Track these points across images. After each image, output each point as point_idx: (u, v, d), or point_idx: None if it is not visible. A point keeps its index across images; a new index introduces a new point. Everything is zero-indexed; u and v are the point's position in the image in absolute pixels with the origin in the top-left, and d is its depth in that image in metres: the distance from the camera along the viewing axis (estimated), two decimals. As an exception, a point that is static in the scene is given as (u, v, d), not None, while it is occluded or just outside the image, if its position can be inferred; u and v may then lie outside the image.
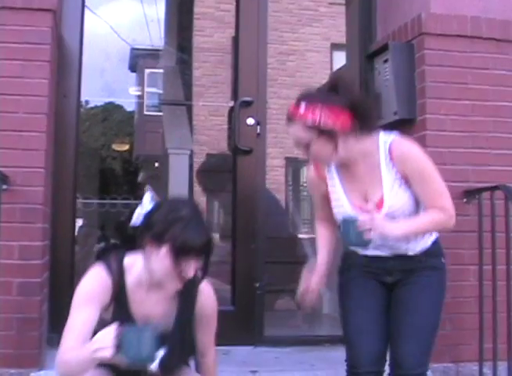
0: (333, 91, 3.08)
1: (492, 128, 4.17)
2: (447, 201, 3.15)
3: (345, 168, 3.20)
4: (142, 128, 16.61)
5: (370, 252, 3.21)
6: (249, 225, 4.50)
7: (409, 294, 3.18)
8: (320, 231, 3.46)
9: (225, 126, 4.85)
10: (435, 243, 3.30)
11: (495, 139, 4.17)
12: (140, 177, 17.46)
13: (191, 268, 2.71)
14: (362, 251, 3.24)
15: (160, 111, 13.20)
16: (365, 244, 3.11)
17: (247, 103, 4.49)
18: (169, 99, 8.68)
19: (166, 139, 7.95)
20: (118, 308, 2.85)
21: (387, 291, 3.23)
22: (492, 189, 3.87)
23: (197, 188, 11.60)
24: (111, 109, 20.80)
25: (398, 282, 3.22)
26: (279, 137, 12.72)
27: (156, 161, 14.24)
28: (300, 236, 11.49)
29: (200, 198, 12.85)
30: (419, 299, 3.17)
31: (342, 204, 3.18)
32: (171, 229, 2.69)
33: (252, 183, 4.53)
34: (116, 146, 18.46)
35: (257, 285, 4.46)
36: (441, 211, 3.14)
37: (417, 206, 3.17)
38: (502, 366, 3.84)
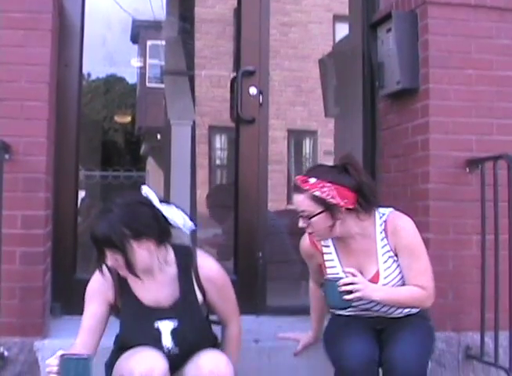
0: (344, 171, 3.27)
1: (495, 98, 4.15)
2: (429, 281, 3.32)
3: (342, 242, 3.40)
4: (144, 100, 16.57)
5: (356, 313, 3.41)
6: (251, 196, 4.50)
7: (399, 329, 3.34)
8: (314, 293, 3.72)
9: (227, 98, 4.81)
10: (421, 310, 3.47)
11: (499, 108, 4.16)
12: (142, 149, 17.43)
13: (107, 258, 2.97)
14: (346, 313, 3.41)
15: (162, 83, 13.15)
16: (344, 306, 3.25)
17: (250, 73, 4.47)
18: (171, 69, 8.64)
19: (168, 110, 7.91)
20: (127, 298, 3.13)
21: (378, 333, 3.39)
22: (495, 158, 3.86)
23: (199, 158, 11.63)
24: (113, 81, 20.74)
25: (388, 327, 3.39)
26: (281, 109, 12.81)
27: (159, 133, 14.20)
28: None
29: (202, 171, 12.90)
30: (409, 330, 3.34)
31: (341, 277, 3.27)
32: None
33: (255, 153, 4.52)
34: (118, 118, 18.42)
35: (260, 255, 4.47)
36: (422, 289, 3.29)
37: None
38: (504, 336, 3.86)
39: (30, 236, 3.63)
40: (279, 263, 5.19)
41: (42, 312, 3.71)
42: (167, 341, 3.11)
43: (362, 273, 3.31)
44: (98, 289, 3.16)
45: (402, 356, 3.18)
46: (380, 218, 3.37)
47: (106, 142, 17.96)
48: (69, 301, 4.13)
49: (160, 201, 3.08)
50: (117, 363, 3.09)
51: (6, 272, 3.50)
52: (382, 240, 3.36)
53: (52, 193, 4.04)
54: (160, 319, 3.11)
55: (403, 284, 3.33)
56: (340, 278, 3.21)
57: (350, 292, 3.17)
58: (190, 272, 3.15)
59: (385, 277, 3.33)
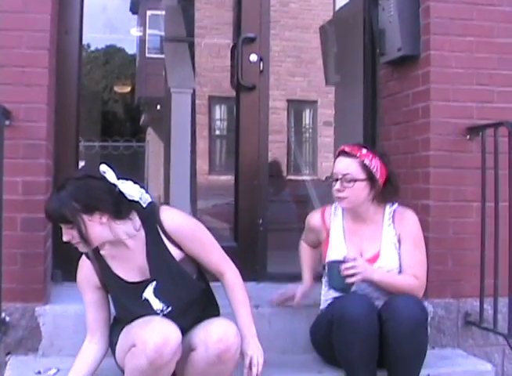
0: (382, 157, 3.58)
1: (496, 65, 4.14)
2: (423, 274, 3.56)
3: (351, 222, 3.63)
4: (143, 71, 16.54)
5: None
6: (252, 162, 4.50)
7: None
8: (306, 249, 3.87)
9: (227, 68, 4.79)
10: None
11: (500, 76, 4.14)
12: (142, 120, 17.42)
13: (64, 233, 3.07)
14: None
15: (161, 53, 13.11)
16: (347, 288, 3.43)
17: (250, 40, 4.45)
18: (171, 37, 8.61)
19: (168, 79, 7.89)
20: (110, 278, 3.21)
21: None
22: (496, 125, 3.86)
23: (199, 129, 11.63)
24: (112, 52, 20.72)
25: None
26: (281, 79, 12.77)
27: (159, 103, 14.18)
28: (302, 177, 11.56)
29: (201, 141, 12.90)
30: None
31: (341, 253, 3.52)
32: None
33: (256, 120, 4.51)
34: (118, 88, 18.41)
35: (260, 222, 4.48)
36: (416, 279, 3.50)
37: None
38: (503, 302, 3.89)
39: (31, 202, 3.63)
40: (279, 231, 5.22)
41: (43, 278, 3.72)
42: (155, 304, 3.16)
43: (362, 254, 3.52)
44: (84, 278, 3.28)
45: (405, 303, 3.30)
46: (390, 207, 3.62)
47: (105, 112, 17.97)
48: (70, 267, 4.11)
49: (118, 178, 3.09)
50: (127, 330, 3.12)
51: (7, 238, 3.50)
52: (389, 226, 3.58)
53: (53, 161, 4.04)
54: (143, 288, 3.16)
55: (398, 271, 3.53)
56: (343, 262, 3.38)
57: (351, 275, 3.35)
58: (157, 230, 3.16)
59: (384, 259, 3.52)
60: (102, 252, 3.22)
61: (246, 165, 4.49)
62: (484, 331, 4.04)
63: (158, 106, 14.59)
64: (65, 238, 3.08)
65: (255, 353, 3.14)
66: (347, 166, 3.50)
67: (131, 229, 3.14)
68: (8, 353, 3.65)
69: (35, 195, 3.65)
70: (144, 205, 3.13)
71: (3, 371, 3.47)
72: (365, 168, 3.48)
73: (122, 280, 3.18)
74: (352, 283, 3.39)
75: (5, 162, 3.48)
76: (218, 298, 3.39)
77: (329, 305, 3.57)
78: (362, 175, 3.48)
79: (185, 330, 3.07)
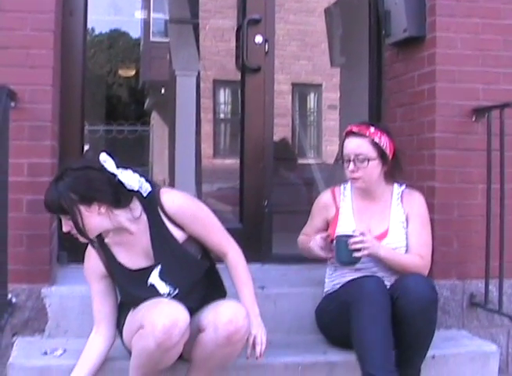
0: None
1: (502, 47, 4.12)
2: (428, 254, 3.61)
3: (360, 200, 3.68)
4: (148, 55, 16.50)
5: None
6: (258, 144, 4.50)
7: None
8: (305, 238, 3.80)
9: (232, 51, 4.78)
10: None
11: (506, 57, 4.12)
12: (147, 104, 17.42)
13: (63, 224, 3.05)
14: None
15: (166, 37, 13.09)
16: (354, 262, 3.46)
17: (255, 21, 4.44)
18: (176, 19, 8.58)
19: (173, 61, 7.88)
20: (115, 267, 3.21)
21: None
22: (502, 107, 3.85)
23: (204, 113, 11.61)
24: (116, 36, 20.68)
25: None
26: (285, 62, 12.74)
27: (163, 87, 14.17)
28: (307, 161, 11.55)
29: (206, 125, 12.89)
30: None
31: (350, 229, 3.56)
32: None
33: (261, 102, 4.51)
34: (122, 72, 18.37)
35: (265, 203, 4.48)
36: (421, 258, 3.56)
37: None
38: (508, 284, 3.94)
39: (37, 183, 3.63)
40: (284, 213, 5.22)
41: (49, 259, 3.73)
42: (162, 288, 3.16)
43: (370, 231, 3.51)
44: (91, 268, 3.28)
45: (415, 281, 3.32)
46: (399, 188, 3.68)
47: (109, 96, 17.95)
48: (75, 249, 4.12)
49: (118, 167, 3.08)
50: (135, 312, 3.14)
51: (13, 219, 3.51)
52: (397, 205, 3.62)
53: (58, 143, 4.03)
54: (148, 273, 3.17)
55: (405, 250, 3.57)
56: (351, 236, 3.41)
57: (359, 250, 3.38)
58: (158, 213, 3.16)
59: (392, 236, 3.56)
60: (106, 240, 3.22)
61: (252, 147, 4.50)
62: (489, 313, 4.04)
63: (162, 90, 14.58)
64: (64, 229, 3.07)
65: (259, 332, 3.14)
66: (358, 146, 3.53)
67: (132, 216, 3.13)
68: (14, 334, 3.67)
69: (41, 177, 3.65)
70: (144, 195, 3.12)
71: (10, 352, 3.48)
72: (376, 146, 3.52)
73: (127, 268, 3.19)
74: (359, 258, 3.42)
75: (11, 144, 3.48)
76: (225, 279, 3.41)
77: (340, 287, 3.56)
78: (373, 153, 3.52)
79: (192, 311, 3.07)
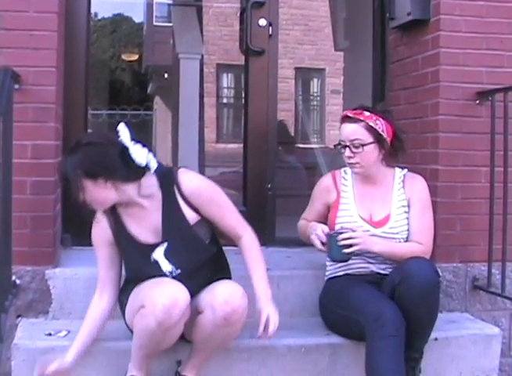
0: (385, 114, 3.59)
1: (506, 30, 4.10)
2: (430, 239, 3.58)
3: (361, 185, 3.65)
4: (151, 39, 16.47)
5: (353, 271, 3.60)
6: (261, 127, 4.50)
7: None
8: (304, 223, 3.79)
9: (235, 36, 4.78)
10: None
11: (510, 40, 4.10)
12: (150, 88, 17.40)
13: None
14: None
15: (169, 22, 13.06)
16: (345, 259, 3.47)
17: (259, 4, 4.43)
18: (179, 1, 8.55)
19: (176, 44, 7.86)
20: (123, 237, 3.24)
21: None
22: (505, 90, 3.85)
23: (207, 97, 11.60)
24: (119, 20, 20.64)
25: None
26: (288, 47, 12.72)
27: (166, 72, 14.15)
28: (310, 145, 11.55)
29: (209, 109, 12.89)
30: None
31: (352, 215, 3.59)
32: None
33: (264, 85, 4.51)
34: (125, 57, 18.35)
35: (269, 186, 4.49)
36: (421, 245, 3.53)
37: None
38: (511, 267, 3.93)
39: (41, 165, 3.64)
40: (287, 197, 5.23)
41: (53, 241, 3.74)
42: (165, 266, 3.18)
43: (371, 217, 3.55)
44: (99, 233, 3.29)
45: (418, 265, 3.30)
46: (400, 172, 3.65)
47: (113, 81, 17.94)
48: (79, 232, 4.14)
49: (132, 140, 3.11)
50: (137, 292, 3.15)
51: (17, 201, 3.51)
52: (399, 190, 3.60)
53: (62, 125, 4.04)
54: (154, 249, 3.19)
55: (407, 235, 3.55)
56: (340, 233, 3.41)
57: (349, 246, 3.38)
58: (174, 192, 3.18)
59: (394, 221, 3.54)
60: (118, 210, 3.23)
61: (255, 130, 4.50)
62: (491, 296, 4.05)
63: (166, 75, 14.56)
64: (78, 200, 3.08)
65: (271, 313, 3.14)
66: (353, 131, 3.50)
67: (145, 190, 3.15)
68: (18, 316, 3.68)
69: (44, 158, 3.66)
70: (152, 170, 3.14)
71: (14, 333, 3.49)
72: (372, 130, 3.47)
73: (135, 240, 3.20)
74: (351, 254, 3.42)
75: (15, 125, 3.47)
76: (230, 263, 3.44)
77: (344, 274, 3.60)
78: (369, 138, 3.48)
79: (194, 293, 3.10)
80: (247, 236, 3.30)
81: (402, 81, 4.45)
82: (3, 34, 3.65)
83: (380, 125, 3.49)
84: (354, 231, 3.41)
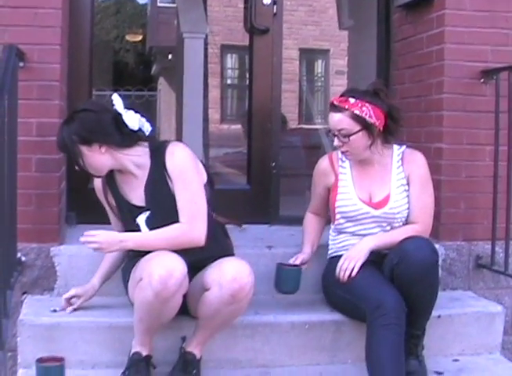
0: (375, 95, 3.45)
1: (511, 8, 4.09)
2: (428, 216, 3.55)
3: (359, 167, 3.58)
4: (155, 20, 16.42)
5: None
6: (265, 105, 4.51)
7: None
8: (310, 221, 3.82)
9: (239, 17, 4.77)
10: None
11: (515, 19, 4.10)
12: (153, 69, 17.36)
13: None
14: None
15: (173, 2, 13.01)
16: (295, 291, 3.57)
17: (264, -18, 4.43)
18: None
19: (180, 23, 7.81)
20: (116, 198, 3.40)
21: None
22: (510, 69, 3.83)
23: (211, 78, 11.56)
24: (123, 1, 20.55)
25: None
26: (293, 28, 12.69)
27: (170, 53, 14.12)
28: (314, 126, 11.55)
29: (214, 90, 12.87)
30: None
31: (351, 197, 3.55)
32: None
33: (269, 63, 4.51)
34: (129, 37, 18.29)
35: (273, 164, 4.49)
36: (418, 224, 3.51)
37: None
38: (514, 245, 3.91)
39: (46, 143, 3.64)
40: (292, 176, 5.24)
41: (58, 218, 3.75)
42: (144, 231, 3.29)
43: (371, 198, 3.54)
44: (98, 190, 3.48)
45: (415, 245, 3.30)
46: (398, 149, 3.59)
47: (116, 62, 17.89)
48: (83, 210, 4.18)
49: (125, 108, 3.29)
50: (137, 266, 3.17)
51: (22, 179, 3.52)
52: (398, 168, 3.56)
53: (67, 104, 4.04)
54: (138, 214, 3.29)
55: (407, 214, 3.54)
56: (294, 265, 3.59)
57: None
58: (162, 164, 3.25)
59: (394, 201, 3.51)
60: (114, 176, 3.38)
61: (260, 108, 4.50)
62: (495, 274, 4.06)
63: (170, 56, 14.52)
64: (76, 167, 3.26)
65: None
66: (338, 121, 3.43)
67: (137, 159, 3.28)
68: (24, 293, 3.70)
69: (49, 136, 3.65)
70: (147, 133, 3.30)
71: (20, 310, 3.51)
72: (358, 118, 3.39)
73: (127, 201, 3.34)
74: (298, 287, 3.56)
75: (20, 103, 3.48)
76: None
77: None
78: (356, 126, 3.40)
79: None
80: (182, 227, 3.20)
81: (406, 60, 4.45)
82: (8, 12, 3.65)
83: (367, 111, 3.40)
84: (345, 260, 3.43)
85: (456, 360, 3.61)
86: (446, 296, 3.82)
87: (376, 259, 3.48)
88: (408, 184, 3.55)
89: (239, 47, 11.70)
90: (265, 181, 4.47)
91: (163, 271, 2.93)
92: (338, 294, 3.50)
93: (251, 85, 4.53)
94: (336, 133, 3.45)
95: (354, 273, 3.37)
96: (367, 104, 3.40)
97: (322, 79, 14.79)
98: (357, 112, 3.38)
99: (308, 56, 14.41)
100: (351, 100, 3.41)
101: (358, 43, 5.85)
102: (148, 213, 3.27)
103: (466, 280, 4.09)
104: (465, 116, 4.01)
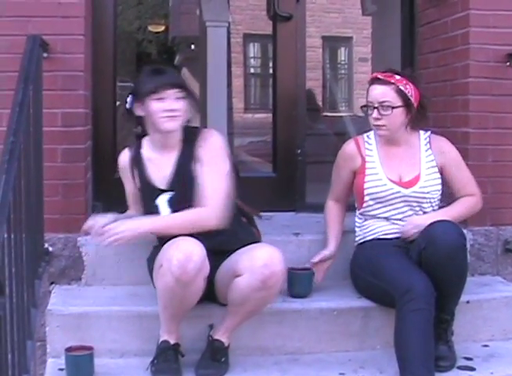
0: (415, 79, 3.61)
1: (537, -10, 4.05)
2: (476, 187, 3.65)
3: (386, 147, 3.63)
4: (177, 10, 16.41)
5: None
6: (290, 92, 4.49)
7: None
8: (332, 211, 3.80)
9: (261, 6, 4.76)
10: None
11: (541, 0, 4.06)
12: (176, 60, 17.37)
13: (172, 103, 3.25)
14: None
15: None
16: (307, 294, 3.59)
17: (287, -31, 4.41)
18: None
19: (203, 12, 7.81)
20: (140, 177, 3.42)
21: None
22: (536, 51, 3.81)
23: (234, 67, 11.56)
24: (145, -9, 20.54)
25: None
26: (315, 15, 12.64)
27: (192, 43, 14.12)
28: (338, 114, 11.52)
29: (237, 79, 12.87)
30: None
31: (380, 178, 3.58)
32: (140, 83, 3.36)
33: (293, 50, 4.49)
34: (152, 28, 18.31)
35: (299, 152, 4.48)
36: (473, 196, 3.63)
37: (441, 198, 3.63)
38: (543, 229, 3.88)
39: (71, 133, 3.67)
40: (318, 163, 5.22)
41: (85, 208, 3.77)
42: (164, 211, 3.32)
43: (401, 178, 3.56)
44: (124, 168, 3.50)
45: (441, 229, 3.29)
46: (425, 133, 3.64)
47: (139, 53, 17.92)
48: (109, 200, 4.18)
49: None
50: (158, 255, 3.17)
51: (48, 169, 3.54)
52: (427, 151, 3.60)
53: (91, 93, 4.05)
54: (159, 195, 3.33)
55: (433, 201, 3.59)
56: (308, 268, 3.63)
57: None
58: (193, 146, 3.32)
59: (425, 181, 3.54)
60: (142, 151, 3.42)
61: (284, 95, 4.48)
62: (524, 259, 4.04)
63: (192, 46, 14.52)
64: (175, 105, 3.26)
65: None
66: (383, 93, 3.48)
67: (177, 136, 3.37)
68: (52, 283, 3.72)
69: (75, 126, 3.69)
70: None
71: (48, 299, 3.53)
72: (401, 93, 3.46)
73: (148, 180, 3.37)
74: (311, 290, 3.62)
75: (44, 94, 3.51)
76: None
77: (374, 239, 3.61)
78: (398, 101, 3.47)
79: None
80: (200, 211, 3.23)
81: (431, 44, 4.41)
82: (32, 3, 3.66)
83: (410, 90, 3.48)
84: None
85: (486, 346, 3.58)
86: (475, 281, 3.80)
87: (403, 245, 3.48)
88: (441, 169, 3.59)
89: (262, 36, 11.67)
90: (291, 168, 4.46)
91: (181, 255, 2.95)
92: (367, 280, 3.49)
93: (275, 73, 4.52)
94: (376, 105, 3.49)
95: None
96: (410, 83, 3.50)
97: (346, 66, 14.74)
98: (402, 88, 3.47)
99: (331, 43, 14.35)
100: (397, 76, 3.50)
101: (382, 29, 5.83)
102: (171, 194, 3.31)
103: (494, 265, 4.06)
104: (491, 100, 3.98)
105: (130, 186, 3.48)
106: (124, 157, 3.49)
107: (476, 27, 3.98)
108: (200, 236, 3.11)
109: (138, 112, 3.33)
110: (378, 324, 3.51)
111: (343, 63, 14.82)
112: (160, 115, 3.24)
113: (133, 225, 3.18)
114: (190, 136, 3.34)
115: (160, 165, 3.36)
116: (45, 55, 3.58)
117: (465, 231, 3.62)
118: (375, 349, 3.51)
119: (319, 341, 3.49)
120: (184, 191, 3.28)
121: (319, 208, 4.12)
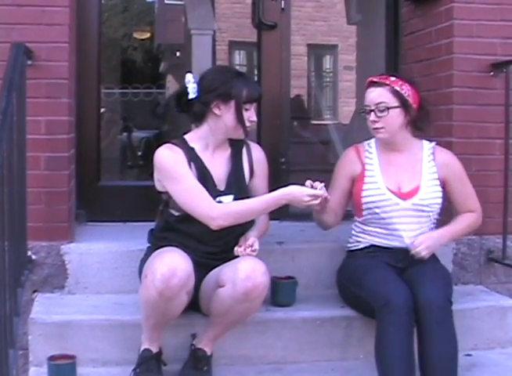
0: (412, 82, 3.59)
1: (520, 0, 4.08)
2: (478, 203, 3.64)
3: (386, 155, 3.57)
4: (163, 17, 16.42)
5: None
6: (274, 101, 4.50)
7: (423, 273, 3.40)
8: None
9: (247, 14, 4.76)
10: None
11: (524, 11, 4.08)
12: (162, 67, 17.37)
13: (253, 113, 3.32)
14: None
15: (180, 0, 13.02)
16: (292, 303, 3.60)
17: (271, -22, 4.41)
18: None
19: (188, 20, 7.80)
20: (198, 168, 3.29)
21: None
22: (520, 61, 3.82)
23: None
24: (130, -1, 20.54)
25: (408, 267, 3.48)
26: (301, 24, 12.65)
27: (178, 50, 14.13)
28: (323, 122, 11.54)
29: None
30: (431, 268, 3.45)
31: (379, 187, 3.52)
32: (234, 85, 3.23)
33: (277, 59, 4.50)
34: (137, 35, 18.30)
35: (283, 160, 4.48)
36: (474, 212, 3.61)
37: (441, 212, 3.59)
38: (526, 240, 3.89)
39: (55, 141, 3.66)
40: (302, 172, 5.22)
41: (68, 216, 3.76)
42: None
43: (400, 188, 3.51)
44: (176, 162, 3.26)
45: (435, 295, 3.25)
46: (429, 144, 3.62)
47: (125, 60, 17.88)
48: (93, 208, 4.20)
49: None
50: (146, 262, 3.16)
51: (32, 177, 3.52)
52: (429, 162, 3.57)
53: (75, 101, 4.04)
54: (220, 194, 3.29)
55: (433, 215, 3.56)
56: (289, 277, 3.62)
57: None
58: (241, 153, 3.41)
59: (424, 193, 3.51)
60: (196, 147, 3.34)
61: (269, 104, 4.46)
62: (506, 268, 4.05)
63: (178, 53, 14.52)
64: (255, 118, 3.39)
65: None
66: (378, 95, 3.47)
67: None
68: (35, 291, 3.71)
69: (58, 134, 3.68)
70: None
71: (30, 308, 3.51)
72: (397, 94, 3.45)
73: (209, 176, 3.32)
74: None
75: (28, 101, 3.49)
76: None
77: (368, 251, 3.59)
78: (394, 102, 3.45)
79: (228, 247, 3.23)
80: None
81: (415, 54, 4.43)
82: (15, 10, 3.65)
83: (406, 90, 3.47)
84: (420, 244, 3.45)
85: (469, 355, 3.58)
86: (458, 291, 3.78)
87: (398, 255, 3.51)
88: (443, 183, 3.57)
89: (247, 43, 11.68)
90: (275, 177, 4.42)
91: (165, 269, 2.93)
92: (350, 290, 3.49)
93: (260, 81, 4.52)
94: (373, 108, 3.48)
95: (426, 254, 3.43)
96: (407, 84, 3.50)
97: (331, 75, 14.75)
98: (397, 88, 3.46)
99: (316, 51, 14.36)
100: (392, 78, 3.51)
101: (367, 38, 5.85)
102: (231, 197, 3.30)
103: (477, 274, 4.08)
104: (475, 109, 4.00)
105: (192, 179, 3.22)
106: (176, 151, 3.27)
107: (460, 37, 4.00)
108: (189, 248, 3.11)
109: (216, 111, 3.26)
110: (361, 334, 3.51)
111: (328, 71, 14.83)
112: (247, 124, 3.31)
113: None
114: (236, 142, 3.41)
115: (212, 162, 3.33)
116: (29, 62, 3.57)
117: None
118: (358, 359, 3.51)
119: (302, 351, 3.49)
120: (239, 196, 3.29)
121: (303, 217, 4.13)
